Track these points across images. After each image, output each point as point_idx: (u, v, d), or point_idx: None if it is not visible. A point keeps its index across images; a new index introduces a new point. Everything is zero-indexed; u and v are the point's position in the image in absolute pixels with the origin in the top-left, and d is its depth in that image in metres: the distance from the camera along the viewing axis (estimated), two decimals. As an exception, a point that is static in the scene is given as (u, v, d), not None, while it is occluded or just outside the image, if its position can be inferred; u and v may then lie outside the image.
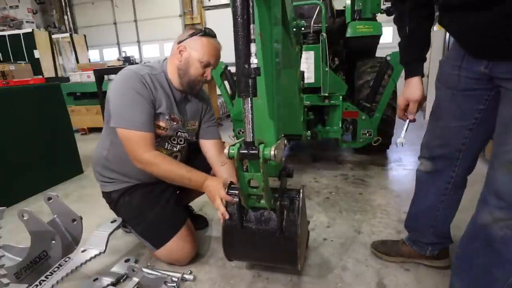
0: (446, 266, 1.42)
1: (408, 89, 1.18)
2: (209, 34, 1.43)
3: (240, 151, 1.01)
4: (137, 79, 1.36)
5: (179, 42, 1.44)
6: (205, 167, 1.60)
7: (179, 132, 1.54)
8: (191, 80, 1.45)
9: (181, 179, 1.38)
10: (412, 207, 1.45)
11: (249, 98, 0.94)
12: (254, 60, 0.89)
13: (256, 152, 0.99)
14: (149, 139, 1.36)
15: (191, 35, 1.42)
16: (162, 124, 1.45)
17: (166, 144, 1.53)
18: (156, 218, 1.49)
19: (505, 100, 0.97)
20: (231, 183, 1.28)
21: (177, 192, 1.68)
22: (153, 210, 1.49)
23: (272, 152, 0.99)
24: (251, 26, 0.89)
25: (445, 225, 1.37)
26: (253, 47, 0.89)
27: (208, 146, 1.63)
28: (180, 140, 1.58)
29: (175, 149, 1.57)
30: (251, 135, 0.98)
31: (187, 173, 1.38)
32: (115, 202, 1.54)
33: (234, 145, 1.02)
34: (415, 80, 1.16)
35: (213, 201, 1.30)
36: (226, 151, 1.02)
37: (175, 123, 1.50)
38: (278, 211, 1.17)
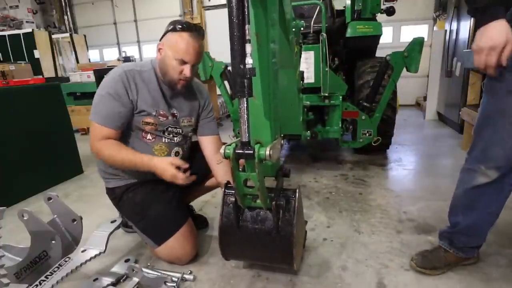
0: (476, 261, 1.45)
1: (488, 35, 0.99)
2: (184, 29, 1.37)
3: (236, 151, 1.01)
4: (119, 79, 1.41)
5: (160, 39, 1.44)
6: (206, 167, 1.60)
7: (170, 128, 1.54)
8: (170, 79, 1.45)
9: (125, 162, 1.41)
10: (465, 219, 1.33)
11: (244, 98, 0.94)
12: (249, 61, 0.90)
13: (252, 152, 1.00)
14: (103, 132, 1.41)
15: (168, 31, 1.41)
16: (149, 120, 1.47)
17: (164, 139, 1.53)
18: (159, 215, 1.49)
19: None
20: (228, 182, 1.28)
21: (180, 190, 1.68)
22: (155, 206, 1.50)
23: (268, 152, 0.99)
24: (246, 26, 0.89)
25: None
26: (248, 48, 0.90)
27: (205, 143, 1.64)
28: (176, 134, 1.57)
29: (173, 141, 1.56)
30: (247, 135, 0.99)
31: (131, 155, 1.40)
32: (119, 198, 1.54)
33: (230, 145, 1.03)
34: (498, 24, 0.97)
35: (164, 177, 1.38)
36: (221, 150, 1.02)
37: (164, 118, 1.51)
38: (274, 211, 1.17)
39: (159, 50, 1.44)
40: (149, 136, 1.50)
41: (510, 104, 1.10)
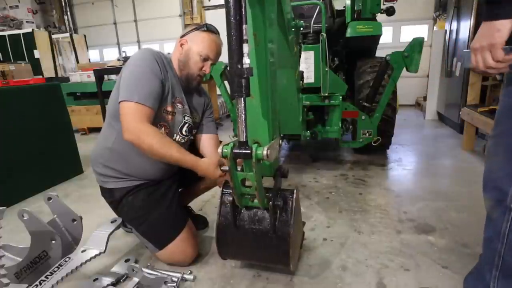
0: None
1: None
2: (210, 30, 1.48)
3: (233, 151, 1.01)
4: (151, 56, 1.38)
5: (181, 37, 1.50)
6: None
7: (186, 117, 1.53)
8: (189, 73, 1.50)
9: (170, 157, 1.33)
10: None
11: (242, 98, 0.95)
12: (246, 60, 0.90)
13: (249, 151, 1.00)
14: (144, 112, 1.30)
15: (193, 29, 1.49)
16: (169, 108, 1.46)
17: (175, 135, 1.52)
18: (159, 219, 1.48)
19: None
20: (226, 182, 1.28)
21: (179, 190, 1.68)
22: (156, 211, 1.49)
23: (265, 152, 0.99)
24: (244, 26, 0.89)
25: None
26: (245, 48, 0.90)
27: (205, 140, 1.66)
28: (187, 130, 1.55)
29: (182, 142, 1.56)
30: (244, 134, 1.00)
31: (177, 153, 1.33)
32: (118, 202, 1.52)
33: (227, 144, 1.03)
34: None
35: (210, 176, 1.40)
36: (219, 150, 1.03)
37: (181, 106, 1.51)
38: (271, 211, 1.17)
39: (181, 44, 1.48)
40: (162, 130, 1.46)
41: None
